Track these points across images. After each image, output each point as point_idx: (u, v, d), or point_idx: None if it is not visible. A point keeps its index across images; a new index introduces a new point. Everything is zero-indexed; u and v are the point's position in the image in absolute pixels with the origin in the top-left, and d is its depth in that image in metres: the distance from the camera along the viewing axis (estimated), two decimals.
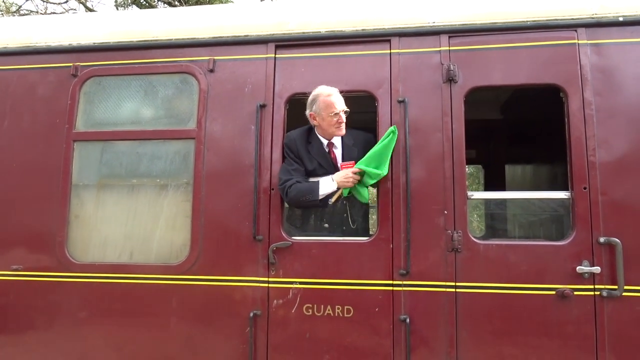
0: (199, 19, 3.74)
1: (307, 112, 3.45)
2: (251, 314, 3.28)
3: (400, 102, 3.34)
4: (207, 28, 3.64)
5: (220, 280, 3.36)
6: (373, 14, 3.53)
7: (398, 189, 3.27)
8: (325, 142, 3.50)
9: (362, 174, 3.28)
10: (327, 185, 3.33)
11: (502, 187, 5.78)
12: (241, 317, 3.31)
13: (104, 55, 3.71)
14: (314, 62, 3.52)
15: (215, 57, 3.58)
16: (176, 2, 18.08)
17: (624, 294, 2.98)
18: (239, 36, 3.59)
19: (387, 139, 3.25)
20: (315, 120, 3.44)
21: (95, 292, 3.46)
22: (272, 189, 3.39)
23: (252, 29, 3.59)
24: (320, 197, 3.31)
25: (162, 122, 3.64)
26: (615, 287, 3.00)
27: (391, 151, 3.26)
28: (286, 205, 3.45)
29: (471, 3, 3.47)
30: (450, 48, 3.36)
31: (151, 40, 3.67)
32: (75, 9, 18.47)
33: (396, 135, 3.27)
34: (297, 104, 3.56)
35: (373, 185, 3.36)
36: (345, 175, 3.30)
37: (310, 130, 3.55)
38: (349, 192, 3.36)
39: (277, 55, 3.54)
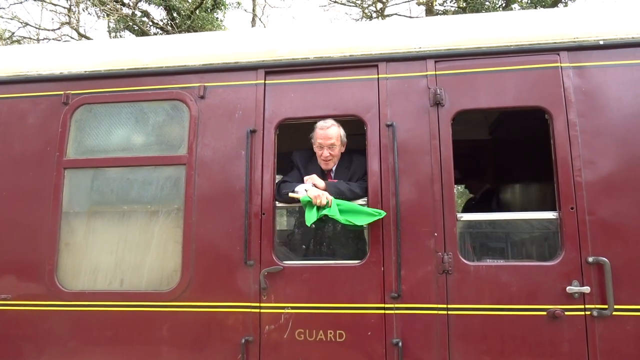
0: (189, 46, 3.80)
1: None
2: (243, 340, 3.26)
3: (388, 126, 3.38)
4: (197, 55, 3.69)
5: (212, 307, 3.34)
6: (360, 40, 3.59)
7: (388, 212, 3.28)
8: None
9: (329, 205, 3.30)
10: (300, 189, 3.42)
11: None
12: (233, 344, 3.29)
13: (95, 83, 3.74)
14: (303, 88, 3.56)
15: (206, 84, 3.62)
16: (168, 28, 18.29)
17: (614, 313, 3.00)
18: (229, 63, 3.64)
19: (373, 215, 3.25)
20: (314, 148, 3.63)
21: (85, 320, 3.43)
22: (264, 214, 3.40)
23: (242, 56, 3.64)
24: (291, 196, 3.39)
25: (153, 149, 3.66)
26: (606, 306, 3.01)
27: (364, 223, 3.27)
28: (277, 229, 3.46)
29: (456, 29, 3.54)
30: (437, 72, 3.42)
31: (142, 68, 3.71)
32: (68, 35, 18.64)
33: (379, 218, 3.26)
34: (287, 129, 3.60)
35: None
36: (320, 193, 3.33)
37: (314, 153, 3.70)
38: (320, 213, 3.32)
39: (266, 82, 3.58)
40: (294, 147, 3.69)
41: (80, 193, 3.65)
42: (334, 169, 3.63)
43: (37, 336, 3.45)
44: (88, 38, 18.27)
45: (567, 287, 3.06)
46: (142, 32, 17.82)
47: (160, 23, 18.87)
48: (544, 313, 3.08)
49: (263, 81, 3.58)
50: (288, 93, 3.57)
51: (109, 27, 19.29)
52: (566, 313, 3.05)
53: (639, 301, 3.01)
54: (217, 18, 18.94)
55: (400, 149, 3.35)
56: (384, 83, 3.47)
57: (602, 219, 3.11)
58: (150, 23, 18.91)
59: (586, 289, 3.05)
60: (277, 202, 3.46)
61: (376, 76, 3.50)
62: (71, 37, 18.60)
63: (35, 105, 3.75)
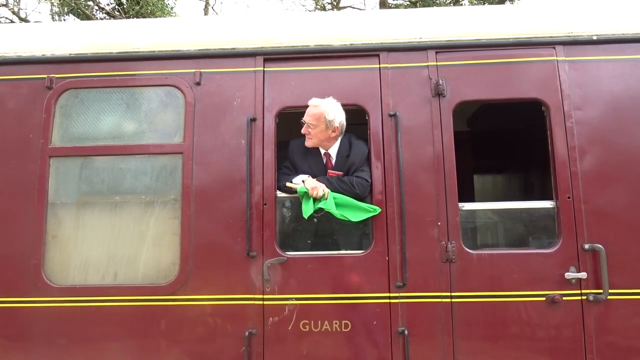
0: (184, 30, 3.65)
1: None
2: (246, 333, 3.19)
3: (391, 116, 3.39)
4: (193, 40, 3.54)
5: (213, 300, 3.25)
6: (361, 29, 3.57)
7: (392, 202, 3.30)
8: (322, 151, 3.57)
9: (326, 197, 3.29)
10: (298, 179, 3.39)
11: (471, 198, 5.94)
12: (236, 337, 3.21)
13: (81, 67, 3.52)
14: (303, 76, 3.50)
15: (202, 70, 3.49)
16: (116, 13, 17.55)
17: (609, 297, 3.14)
18: (226, 49, 3.52)
19: (368, 211, 3.27)
20: None
21: (76, 317, 3.25)
22: (265, 204, 3.32)
23: (240, 42, 3.53)
24: (288, 186, 3.37)
25: (146, 136, 3.50)
26: (601, 291, 3.15)
27: (358, 219, 3.27)
28: (280, 220, 3.41)
29: (456, 21, 3.59)
30: (438, 63, 3.45)
31: (132, 52, 3.53)
32: (6, 18, 17.53)
33: (374, 214, 3.29)
34: (287, 117, 3.53)
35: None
36: (317, 184, 3.32)
37: None
38: (316, 205, 3.30)
39: (265, 69, 3.50)
40: (292, 136, 3.62)
41: (68, 183, 3.43)
42: (334, 155, 3.56)
43: (23, 334, 3.24)
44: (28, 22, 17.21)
45: (565, 273, 3.19)
46: (87, 17, 17.00)
47: (107, 8, 18.08)
48: (543, 299, 3.19)
49: (262, 68, 3.49)
50: (288, 81, 3.50)
51: (51, 10, 18.29)
52: (564, 298, 3.17)
53: (632, 285, 3.17)
54: (168, 4, 18.37)
55: (403, 139, 3.36)
56: (386, 73, 3.47)
57: (597, 208, 3.24)
58: (96, 7, 18.09)
59: (583, 275, 3.18)
60: (278, 193, 3.40)
61: (377, 66, 3.49)
62: (10, 21, 17.48)
63: (16, 90, 3.49)
